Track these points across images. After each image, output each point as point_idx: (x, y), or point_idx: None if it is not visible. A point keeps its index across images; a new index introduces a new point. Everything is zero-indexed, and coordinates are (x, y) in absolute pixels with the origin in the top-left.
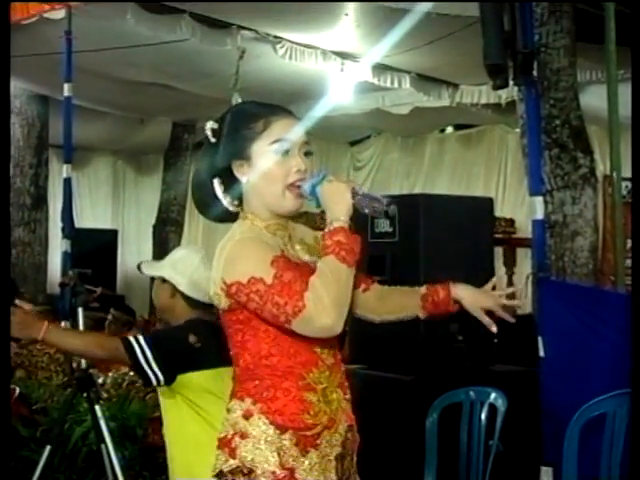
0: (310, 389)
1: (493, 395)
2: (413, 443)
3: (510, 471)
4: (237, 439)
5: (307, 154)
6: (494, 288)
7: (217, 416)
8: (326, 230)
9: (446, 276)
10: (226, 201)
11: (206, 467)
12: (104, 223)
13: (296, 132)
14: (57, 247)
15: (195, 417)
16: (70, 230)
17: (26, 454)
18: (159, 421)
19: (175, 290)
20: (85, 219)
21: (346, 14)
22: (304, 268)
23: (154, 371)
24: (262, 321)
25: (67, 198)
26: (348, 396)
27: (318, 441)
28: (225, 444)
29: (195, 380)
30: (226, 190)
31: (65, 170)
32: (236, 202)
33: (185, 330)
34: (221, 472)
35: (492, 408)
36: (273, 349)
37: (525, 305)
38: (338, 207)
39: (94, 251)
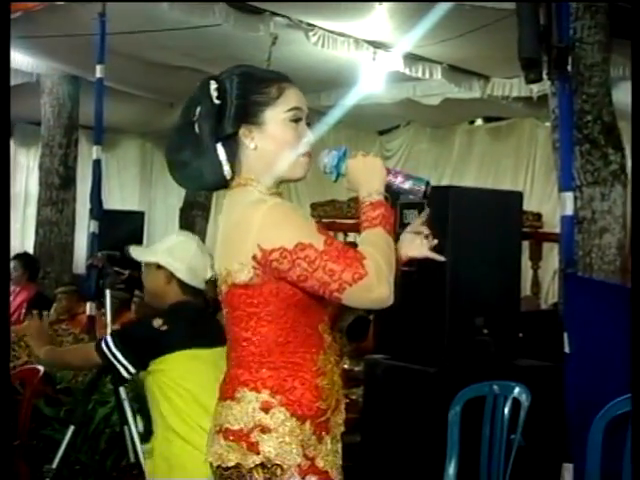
0: (321, 374)
1: (517, 390)
2: (435, 435)
3: (531, 466)
4: (257, 433)
5: (308, 124)
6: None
7: (199, 394)
8: (366, 203)
9: (473, 269)
10: (227, 167)
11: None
12: (132, 205)
13: (303, 101)
14: (84, 227)
15: (178, 396)
16: (98, 211)
17: (49, 433)
18: None
19: (172, 276)
20: (113, 201)
21: (380, 3)
22: None
23: (123, 364)
24: (281, 306)
25: (96, 179)
26: (339, 367)
27: (330, 424)
28: (241, 437)
29: (171, 362)
30: (227, 157)
31: (95, 151)
32: (243, 172)
33: (150, 316)
34: (239, 465)
35: (515, 402)
36: (290, 336)
37: (549, 297)
38: (374, 181)
39: (121, 233)
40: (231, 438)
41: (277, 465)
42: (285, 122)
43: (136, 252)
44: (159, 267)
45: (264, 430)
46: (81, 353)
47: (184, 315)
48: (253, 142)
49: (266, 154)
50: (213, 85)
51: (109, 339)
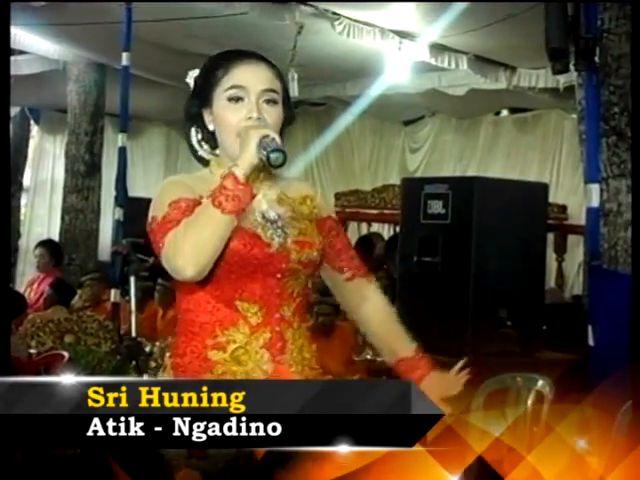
0: (219, 348)
1: (540, 382)
2: None
3: None
4: None
5: (271, 102)
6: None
7: None
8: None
9: (498, 261)
10: (202, 150)
11: None
12: (155, 193)
13: (255, 78)
14: (109, 214)
15: None
16: (123, 199)
17: None
18: None
19: None
20: (138, 188)
21: None
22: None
23: None
24: None
25: (121, 167)
26: (284, 357)
27: None
28: None
29: None
30: (203, 139)
31: (120, 139)
32: (217, 151)
33: None
34: None
35: (539, 395)
36: (190, 304)
37: (574, 290)
38: (242, 154)
39: (145, 220)
40: None
41: None
42: (224, 102)
43: None
44: None
45: None
46: None
47: None
48: (212, 124)
49: (218, 135)
50: (191, 73)
51: None
